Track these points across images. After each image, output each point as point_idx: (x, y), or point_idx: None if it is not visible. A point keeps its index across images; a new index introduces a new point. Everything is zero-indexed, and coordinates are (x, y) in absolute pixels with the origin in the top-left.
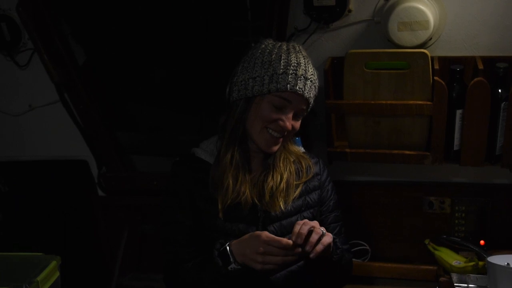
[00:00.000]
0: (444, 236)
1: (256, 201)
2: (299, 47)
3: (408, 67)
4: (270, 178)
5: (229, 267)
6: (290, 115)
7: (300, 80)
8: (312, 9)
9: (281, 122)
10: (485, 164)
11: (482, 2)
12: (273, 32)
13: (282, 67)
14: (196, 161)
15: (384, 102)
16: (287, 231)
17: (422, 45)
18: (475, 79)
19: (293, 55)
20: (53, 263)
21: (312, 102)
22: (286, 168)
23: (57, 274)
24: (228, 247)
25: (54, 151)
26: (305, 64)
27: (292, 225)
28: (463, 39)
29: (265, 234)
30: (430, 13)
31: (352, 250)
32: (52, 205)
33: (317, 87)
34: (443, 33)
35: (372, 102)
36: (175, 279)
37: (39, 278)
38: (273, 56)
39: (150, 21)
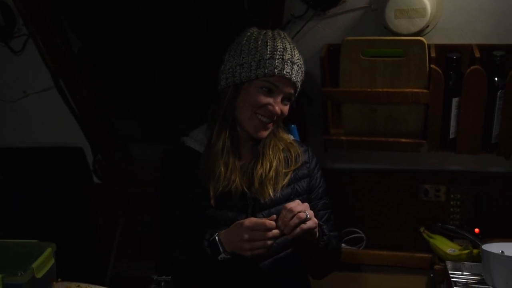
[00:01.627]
0: (439, 224)
1: (246, 189)
2: (284, 33)
3: (405, 55)
4: (259, 166)
5: (219, 257)
6: (279, 100)
7: (287, 64)
8: None
9: (270, 107)
10: (481, 152)
11: None
12: (270, 18)
13: (268, 52)
14: (186, 150)
15: (380, 89)
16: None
17: (419, 33)
18: (472, 67)
19: (279, 40)
20: (48, 250)
21: (299, 87)
22: (276, 156)
23: (52, 261)
24: (217, 237)
25: (49, 138)
26: (291, 49)
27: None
28: (460, 27)
29: (248, 220)
30: (427, 0)
31: (347, 238)
32: (47, 192)
33: (303, 71)
34: (440, 21)
35: (369, 89)
36: (173, 275)
37: (34, 265)
38: (259, 43)
39: (149, 14)
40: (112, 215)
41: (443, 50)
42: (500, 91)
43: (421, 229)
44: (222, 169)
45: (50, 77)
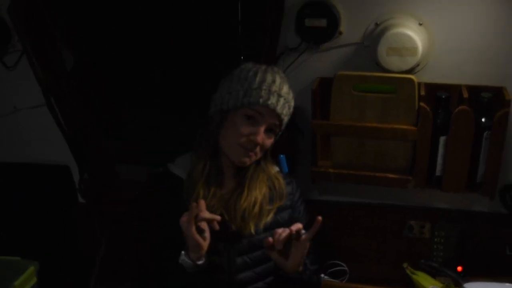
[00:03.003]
0: (422, 261)
1: (226, 217)
2: (277, 69)
3: (395, 92)
4: (243, 199)
5: (180, 260)
6: (262, 129)
7: (273, 95)
8: (303, 29)
9: (251, 137)
10: (466, 191)
11: (469, 32)
12: (264, 49)
13: (256, 83)
14: (170, 176)
15: (369, 124)
16: (256, 249)
17: (409, 71)
18: (460, 107)
19: (270, 73)
20: (31, 269)
21: (285, 120)
22: (261, 190)
23: (35, 280)
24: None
25: (36, 154)
26: (280, 83)
27: (261, 242)
28: (449, 67)
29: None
30: (418, 40)
31: (330, 270)
32: (31, 209)
33: (291, 106)
34: (430, 60)
35: (358, 124)
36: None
37: (16, 283)
38: (250, 73)
39: (142, 34)
40: (96, 234)
41: (433, 89)
42: (487, 132)
43: (405, 265)
44: (201, 193)
45: (42, 94)
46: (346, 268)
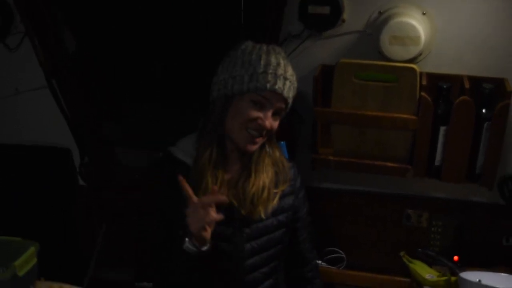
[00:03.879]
0: (419, 250)
1: (235, 203)
2: (279, 49)
3: (397, 81)
4: (251, 184)
5: (183, 246)
6: (269, 114)
7: (279, 79)
8: (306, 16)
9: (260, 121)
10: (465, 181)
11: (472, 23)
12: (267, 36)
13: (262, 66)
14: (173, 161)
15: (370, 113)
16: (262, 234)
17: (411, 60)
18: (461, 98)
19: (273, 55)
20: (32, 249)
21: (291, 102)
22: (268, 174)
23: (35, 260)
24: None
25: (37, 137)
26: (284, 65)
27: (268, 228)
28: (452, 57)
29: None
30: (421, 29)
31: (327, 257)
32: (32, 191)
33: (295, 88)
34: (432, 50)
35: (359, 112)
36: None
37: (16, 263)
38: (253, 56)
39: (146, 18)
40: (95, 218)
41: (434, 79)
42: (487, 122)
43: (402, 254)
44: (209, 180)
45: (44, 77)
46: (344, 255)
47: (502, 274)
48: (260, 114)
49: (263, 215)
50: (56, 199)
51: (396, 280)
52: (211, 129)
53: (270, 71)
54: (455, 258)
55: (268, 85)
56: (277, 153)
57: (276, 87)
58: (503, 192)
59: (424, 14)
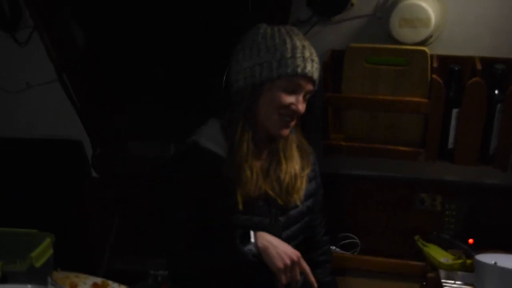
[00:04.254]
0: (434, 233)
1: (271, 193)
2: (296, 29)
3: (407, 64)
4: (284, 173)
5: (246, 248)
6: (301, 98)
7: (308, 62)
8: (314, 1)
9: (293, 106)
10: (478, 163)
11: (484, 4)
12: (275, 21)
13: (289, 51)
14: (202, 151)
15: (381, 97)
16: (295, 222)
17: (422, 43)
18: (473, 79)
19: (296, 38)
20: (47, 241)
21: (317, 83)
22: (297, 160)
23: (51, 251)
24: (251, 232)
25: (49, 130)
26: (308, 47)
27: (299, 215)
28: (463, 39)
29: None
30: (432, 11)
31: (342, 243)
32: (46, 184)
33: (319, 68)
34: (443, 32)
35: (370, 97)
36: (183, 269)
37: (33, 254)
38: (276, 41)
39: (154, 10)
40: (109, 209)
41: (445, 61)
42: (500, 104)
43: (416, 238)
44: (248, 173)
45: (54, 70)
46: (358, 241)
47: None
48: (293, 99)
49: (299, 203)
50: (70, 190)
51: (411, 264)
52: (244, 120)
53: (298, 54)
54: (470, 241)
55: (298, 70)
56: (301, 136)
57: (306, 70)
58: None
59: None
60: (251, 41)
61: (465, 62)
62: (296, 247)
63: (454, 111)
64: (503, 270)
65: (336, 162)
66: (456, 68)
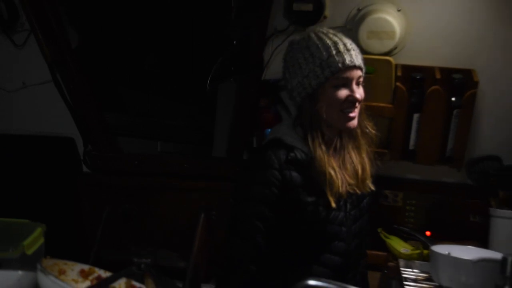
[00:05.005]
0: (395, 226)
1: (353, 184)
2: (323, 29)
3: (374, 72)
4: (357, 162)
5: None
6: (354, 87)
7: (345, 54)
8: (291, 13)
9: (350, 97)
10: (436, 163)
11: (443, 19)
12: (255, 30)
13: (324, 52)
14: (290, 148)
15: None
16: (361, 215)
17: (387, 53)
18: (432, 87)
19: (325, 38)
20: (39, 230)
21: (363, 65)
22: (364, 147)
23: (42, 240)
24: None
25: (43, 127)
26: (340, 39)
27: (367, 206)
28: (424, 50)
29: None
30: (396, 24)
31: None
32: (39, 178)
33: (359, 51)
34: (407, 44)
35: None
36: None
37: (25, 243)
38: (311, 49)
39: (144, 13)
40: (99, 201)
41: (408, 70)
42: (456, 110)
43: (379, 230)
44: (332, 173)
45: (48, 71)
46: None
47: (469, 247)
48: (347, 91)
49: (372, 187)
50: (62, 184)
51: (374, 254)
52: (311, 127)
53: (334, 52)
54: (427, 233)
55: (339, 65)
56: (364, 118)
57: (347, 62)
58: (471, 173)
59: (399, 10)
60: (290, 59)
61: (426, 71)
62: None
63: (416, 116)
64: (456, 260)
65: None
66: (418, 77)
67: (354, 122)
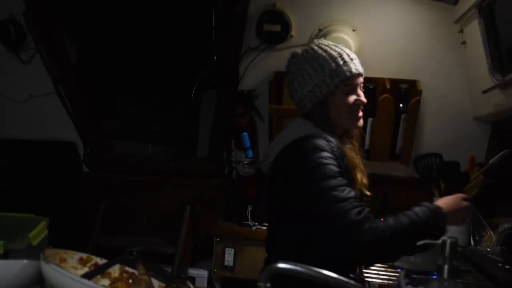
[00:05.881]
0: None
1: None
2: (325, 41)
3: None
4: (364, 164)
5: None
6: (360, 91)
7: (351, 63)
8: (262, 33)
9: (358, 101)
10: (388, 160)
11: (391, 38)
12: (231, 47)
13: (333, 63)
14: (329, 140)
15: None
16: None
17: None
18: (383, 96)
19: (330, 50)
20: (43, 223)
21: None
22: (358, 147)
23: (46, 232)
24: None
25: (48, 133)
26: (342, 50)
27: None
28: (376, 63)
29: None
30: (352, 42)
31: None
32: (45, 178)
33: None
34: (361, 58)
35: None
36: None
37: (31, 235)
38: (319, 61)
39: (133, 32)
40: (97, 197)
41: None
42: (404, 115)
43: None
44: (357, 173)
45: (52, 84)
46: None
47: None
48: (355, 96)
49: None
50: (65, 183)
51: None
52: (328, 131)
53: (341, 62)
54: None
55: (348, 74)
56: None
57: (353, 70)
58: (417, 168)
59: (354, 30)
60: (297, 71)
61: (378, 82)
62: None
63: (370, 120)
64: None
65: None
66: (371, 87)
67: (362, 121)
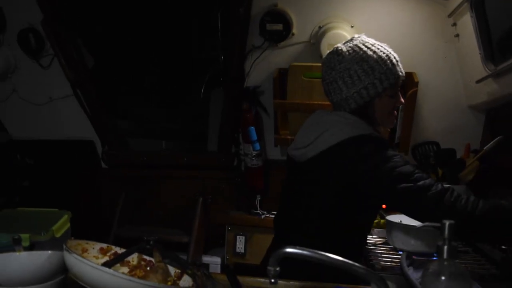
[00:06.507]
0: None
1: None
2: (366, 38)
3: None
4: None
5: None
6: (399, 93)
7: (398, 66)
8: (265, 31)
9: (399, 103)
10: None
11: (388, 32)
12: (236, 47)
13: (383, 65)
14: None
15: (316, 102)
16: None
17: None
18: None
19: (379, 51)
20: (65, 216)
21: None
22: None
23: (68, 225)
24: None
25: (68, 133)
26: (389, 52)
27: None
28: None
29: None
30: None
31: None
32: (66, 174)
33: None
34: None
35: (307, 102)
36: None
37: (54, 227)
38: (370, 62)
39: (145, 37)
40: (116, 191)
41: None
42: (401, 106)
43: None
44: None
45: (70, 87)
46: None
47: None
48: (397, 98)
49: None
50: (85, 179)
51: None
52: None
53: (390, 65)
54: (384, 206)
55: (397, 77)
56: None
57: (400, 73)
58: (415, 155)
59: (352, 27)
60: (345, 69)
61: None
62: None
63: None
64: (406, 227)
65: (284, 151)
66: None
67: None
